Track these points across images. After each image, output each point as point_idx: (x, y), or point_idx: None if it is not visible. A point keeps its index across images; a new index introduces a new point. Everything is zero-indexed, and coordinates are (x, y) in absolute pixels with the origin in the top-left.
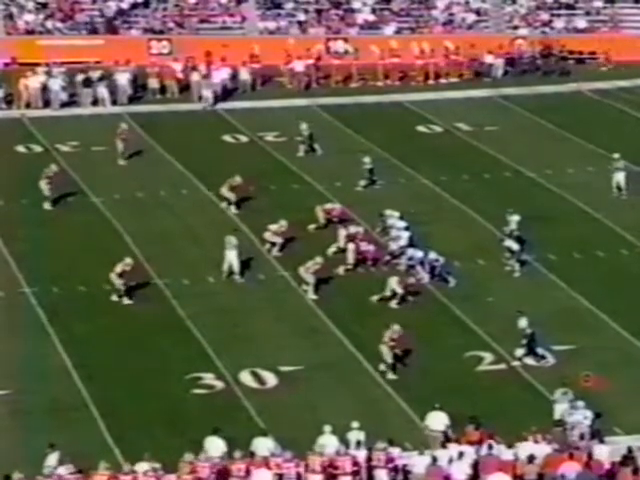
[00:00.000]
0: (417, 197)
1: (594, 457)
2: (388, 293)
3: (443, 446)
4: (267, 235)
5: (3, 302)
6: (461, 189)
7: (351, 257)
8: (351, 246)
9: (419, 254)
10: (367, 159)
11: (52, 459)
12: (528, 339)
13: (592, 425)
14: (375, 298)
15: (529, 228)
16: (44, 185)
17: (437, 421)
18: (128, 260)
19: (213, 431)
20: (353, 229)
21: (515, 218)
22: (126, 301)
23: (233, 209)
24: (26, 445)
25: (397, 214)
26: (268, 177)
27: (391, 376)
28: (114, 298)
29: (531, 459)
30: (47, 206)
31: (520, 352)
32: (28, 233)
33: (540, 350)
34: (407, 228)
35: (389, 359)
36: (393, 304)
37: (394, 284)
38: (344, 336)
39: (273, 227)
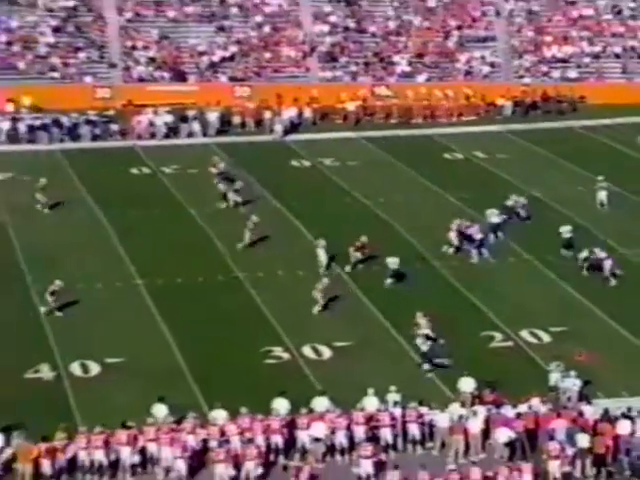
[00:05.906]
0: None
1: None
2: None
3: (463, 405)
4: (350, 250)
5: (120, 291)
6: (478, 203)
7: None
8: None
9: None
10: None
11: (162, 410)
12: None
13: (581, 390)
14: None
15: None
16: (39, 195)
17: (467, 385)
18: (57, 282)
19: (280, 393)
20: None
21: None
22: (58, 314)
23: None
24: (138, 401)
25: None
26: (324, 193)
27: (427, 367)
28: (43, 309)
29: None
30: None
31: (426, 367)
32: (138, 235)
33: (438, 361)
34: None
35: (424, 348)
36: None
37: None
38: (385, 320)
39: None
